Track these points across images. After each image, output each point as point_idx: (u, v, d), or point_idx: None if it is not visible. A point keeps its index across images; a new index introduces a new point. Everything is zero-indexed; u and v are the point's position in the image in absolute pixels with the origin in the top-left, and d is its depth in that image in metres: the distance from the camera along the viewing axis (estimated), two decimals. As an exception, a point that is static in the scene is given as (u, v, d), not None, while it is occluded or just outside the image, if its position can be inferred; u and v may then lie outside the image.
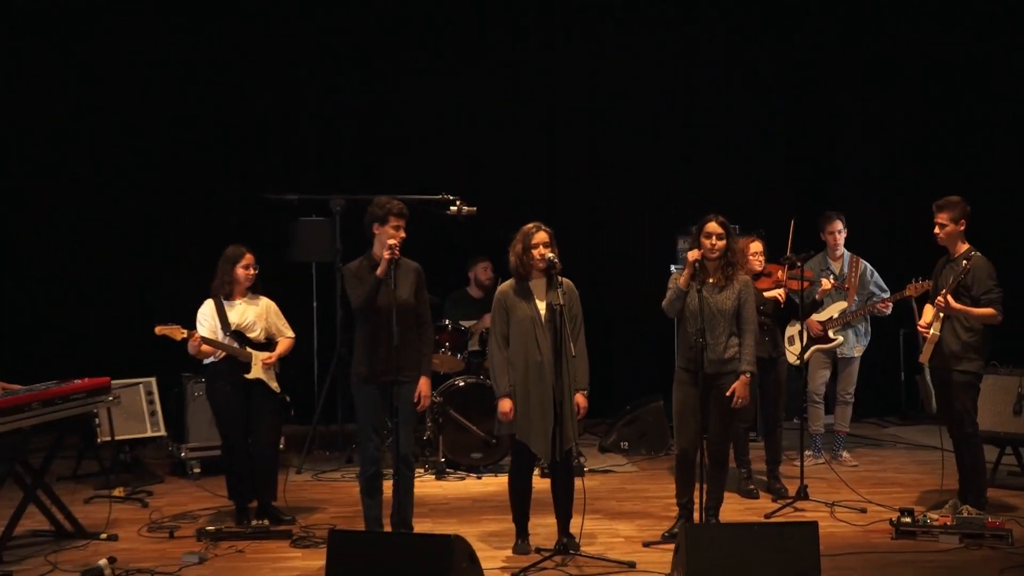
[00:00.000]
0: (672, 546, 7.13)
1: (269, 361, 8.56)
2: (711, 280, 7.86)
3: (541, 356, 7.47)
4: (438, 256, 11.60)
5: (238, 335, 8.50)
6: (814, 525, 6.62)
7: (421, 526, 8.08)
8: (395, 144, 13.04)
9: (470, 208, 10.80)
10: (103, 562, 7.24)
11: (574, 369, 7.49)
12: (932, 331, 8.28)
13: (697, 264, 7.75)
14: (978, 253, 8.27)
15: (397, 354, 7.45)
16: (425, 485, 9.75)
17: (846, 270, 10.44)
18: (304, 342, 9.85)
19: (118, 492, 9.45)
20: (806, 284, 9.57)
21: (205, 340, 8.34)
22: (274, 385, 8.61)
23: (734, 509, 8.86)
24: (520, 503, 7.81)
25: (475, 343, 10.92)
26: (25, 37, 12.39)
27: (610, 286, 13.21)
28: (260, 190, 11.47)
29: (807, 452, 9.92)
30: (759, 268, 9.39)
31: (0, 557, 7.59)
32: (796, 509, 8.90)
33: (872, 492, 9.35)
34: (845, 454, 10.72)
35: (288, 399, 8.78)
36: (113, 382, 8.78)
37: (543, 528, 8.01)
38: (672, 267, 11.03)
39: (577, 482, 7.73)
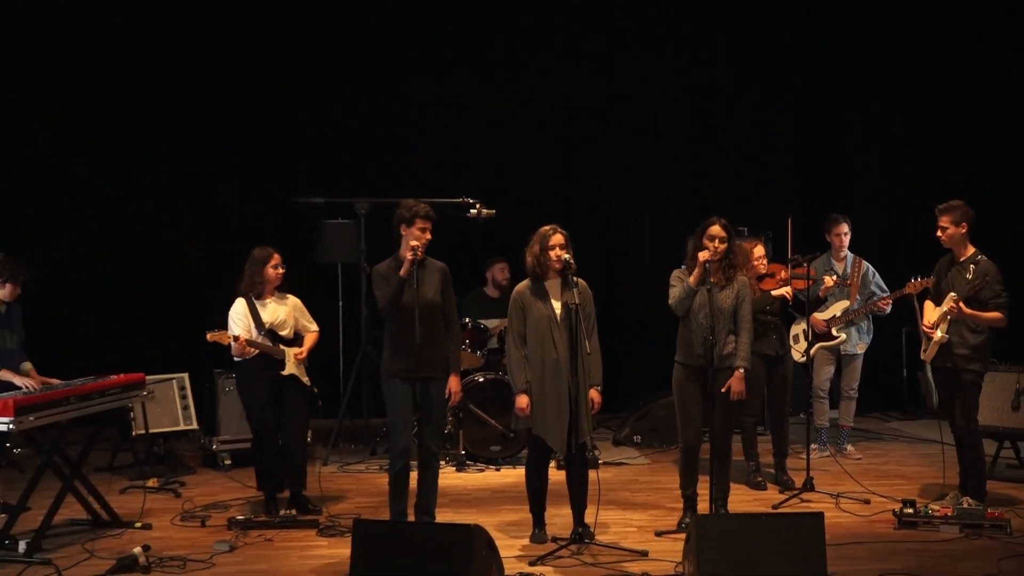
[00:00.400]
0: (683, 535, 7.15)
1: (301, 356, 8.59)
2: (712, 280, 7.87)
3: (557, 354, 7.49)
4: (456, 257, 11.57)
5: (271, 333, 8.53)
6: (820, 516, 6.60)
7: (442, 516, 8.08)
8: (417, 149, 13.05)
9: (489, 211, 10.82)
10: (137, 550, 7.26)
11: (588, 366, 7.50)
12: (939, 333, 8.24)
13: (709, 264, 7.78)
14: (984, 257, 8.22)
15: (421, 352, 7.47)
16: (446, 477, 9.74)
17: (849, 270, 10.43)
18: (330, 340, 9.86)
19: (152, 483, 9.48)
20: (810, 283, 9.57)
21: (247, 342, 8.37)
22: (305, 379, 8.64)
23: (743, 500, 8.86)
24: (537, 494, 7.82)
25: (495, 341, 10.92)
26: (25, 37, 12.29)
27: (623, 285, 13.21)
28: (288, 194, 11.50)
29: (813, 446, 9.89)
30: (763, 271, 9.39)
31: (40, 545, 7.60)
32: (803, 500, 8.90)
33: (875, 484, 9.33)
34: (849, 447, 10.71)
35: (316, 391, 8.82)
36: (147, 378, 8.86)
37: (559, 518, 8.01)
38: (682, 266, 11.03)
39: (592, 474, 7.76)
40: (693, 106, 13.51)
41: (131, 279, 12.57)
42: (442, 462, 9.84)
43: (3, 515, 8.03)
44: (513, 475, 9.89)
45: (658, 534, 7.96)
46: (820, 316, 10.24)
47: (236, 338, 8.28)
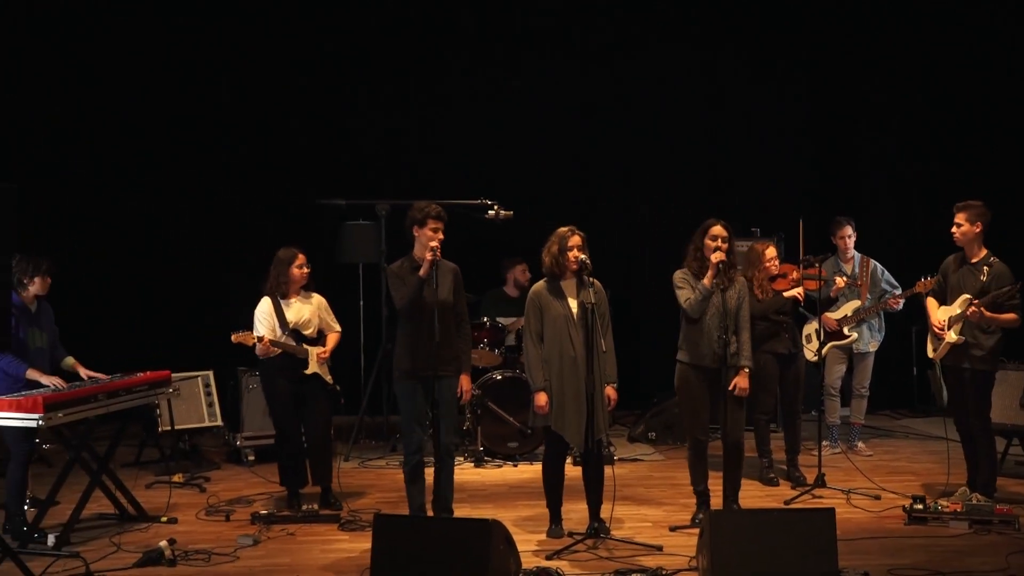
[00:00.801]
0: (697, 530, 7.13)
1: (324, 356, 8.60)
2: (716, 281, 7.86)
3: (574, 352, 7.48)
4: (474, 256, 11.59)
5: (295, 333, 8.53)
6: (831, 511, 6.58)
7: (461, 511, 8.09)
8: (437, 151, 13.06)
9: (507, 212, 10.81)
10: (163, 543, 7.28)
11: (604, 364, 7.50)
12: (953, 335, 8.17)
13: (721, 265, 7.76)
14: (996, 259, 8.17)
15: (439, 350, 7.47)
16: (464, 472, 9.76)
17: (857, 270, 10.39)
18: (351, 338, 9.86)
19: (177, 478, 9.50)
20: (821, 283, 9.55)
21: (270, 342, 8.37)
22: (328, 378, 8.65)
23: (755, 496, 8.83)
24: (553, 490, 7.82)
25: (512, 339, 10.91)
26: (25, 37, 12.26)
27: (637, 285, 13.17)
28: (311, 196, 11.50)
29: (824, 442, 9.87)
30: (775, 271, 9.36)
31: (68, 538, 7.63)
32: (814, 496, 8.86)
33: (886, 480, 9.30)
34: (860, 444, 10.68)
35: (339, 389, 8.83)
36: (173, 375, 8.88)
37: (575, 513, 8.00)
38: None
39: (607, 470, 7.77)
40: (706, 108, 13.44)
41: (158, 279, 12.60)
42: (461, 458, 9.90)
43: (33, 509, 8.07)
44: (530, 471, 9.88)
45: (672, 529, 7.95)
46: (832, 316, 10.20)
47: (260, 339, 8.29)
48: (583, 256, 7.52)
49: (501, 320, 10.88)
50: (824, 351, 10.03)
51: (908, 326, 12.59)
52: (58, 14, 12.36)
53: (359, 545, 7.50)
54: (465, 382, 7.85)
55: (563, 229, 7.64)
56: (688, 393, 8.03)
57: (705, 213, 8.23)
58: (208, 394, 10.68)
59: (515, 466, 10.24)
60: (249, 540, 7.67)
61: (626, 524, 8.09)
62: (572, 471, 8.07)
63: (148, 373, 8.51)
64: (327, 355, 8.64)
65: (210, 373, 10.75)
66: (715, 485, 8.09)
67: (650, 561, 7.11)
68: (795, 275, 9.39)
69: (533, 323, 7.65)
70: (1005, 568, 6.95)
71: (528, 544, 7.50)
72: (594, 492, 7.68)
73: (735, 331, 7.91)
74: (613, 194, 13.49)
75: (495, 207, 10.81)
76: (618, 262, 13.11)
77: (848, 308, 10.26)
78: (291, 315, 8.55)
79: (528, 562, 6.99)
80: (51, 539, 7.54)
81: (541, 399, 7.53)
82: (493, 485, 9.58)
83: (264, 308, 8.54)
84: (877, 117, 13.54)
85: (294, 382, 8.53)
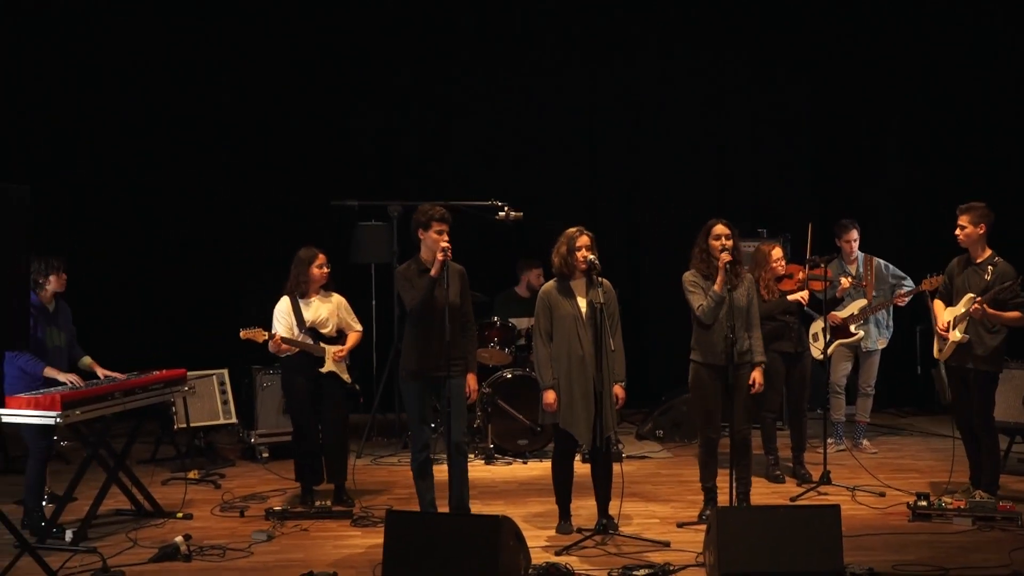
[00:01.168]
0: (704, 527, 7.12)
1: (340, 355, 8.59)
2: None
3: (583, 350, 7.47)
4: (484, 258, 11.60)
5: (312, 331, 8.53)
6: (836, 508, 6.57)
7: (472, 507, 8.04)
8: (448, 153, 13.07)
9: (517, 213, 10.79)
10: (179, 539, 7.30)
11: (613, 363, 7.49)
12: (958, 334, 8.13)
13: (728, 266, 7.74)
14: (1001, 259, 8.13)
15: (449, 350, 7.47)
16: (475, 469, 9.72)
17: (861, 270, 10.36)
18: (364, 337, 9.83)
19: (193, 475, 9.52)
20: (827, 283, 9.54)
21: (284, 340, 8.37)
22: (346, 377, 8.64)
23: (762, 493, 8.80)
24: (563, 486, 7.81)
25: (523, 338, 10.90)
26: (25, 37, 12.24)
27: (645, 285, 13.16)
28: (325, 197, 11.50)
29: (830, 440, 9.85)
30: (782, 272, 9.34)
31: (85, 534, 7.64)
32: (820, 493, 8.84)
33: (890, 477, 9.27)
34: (865, 442, 10.65)
35: (358, 388, 8.83)
36: (188, 373, 8.89)
37: (584, 510, 7.99)
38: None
39: (615, 467, 7.73)
40: (714, 109, 13.40)
41: (174, 278, 12.62)
42: (471, 455, 9.87)
43: (51, 505, 8.07)
44: (540, 468, 9.86)
45: (679, 525, 7.93)
46: (838, 314, 10.17)
47: (272, 336, 8.29)
48: (592, 256, 7.50)
49: (512, 321, 10.84)
50: (830, 350, 10.00)
51: (913, 325, 12.56)
52: (58, 15, 12.35)
53: (371, 541, 7.50)
54: (472, 381, 7.83)
55: (572, 229, 7.63)
56: (702, 392, 8.01)
57: (712, 213, 8.21)
58: (223, 392, 10.70)
59: (525, 463, 10.23)
60: (263, 536, 7.67)
61: (634, 520, 8.07)
62: (581, 468, 8.05)
63: (164, 371, 8.52)
64: (344, 353, 8.63)
65: (225, 371, 10.77)
66: (722, 482, 8.06)
67: (658, 557, 7.10)
68: (801, 275, 9.37)
69: (542, 322, 7.65)
70: (1008, 564, 6.92)
71: (538, 540, 7.50)
72: (602, 489, 7.67)
73: (747, 328, 7.90)
74: (620, 194, 13.48)
75: (505, 208, 10.80)
76: (625, 261, 13.11)
77: (854, 307, 10.22)
78: (309, 314, 8.55)
79: (538, 557, 6.96)
80: (69, 535, 7.56)
81: (549, 397, 7.52)
82: (503, 482, 9.57)
83: (282, 307, 8.56)
84: (877, 117, 13.47)
85: (311, 380, 8.53)
